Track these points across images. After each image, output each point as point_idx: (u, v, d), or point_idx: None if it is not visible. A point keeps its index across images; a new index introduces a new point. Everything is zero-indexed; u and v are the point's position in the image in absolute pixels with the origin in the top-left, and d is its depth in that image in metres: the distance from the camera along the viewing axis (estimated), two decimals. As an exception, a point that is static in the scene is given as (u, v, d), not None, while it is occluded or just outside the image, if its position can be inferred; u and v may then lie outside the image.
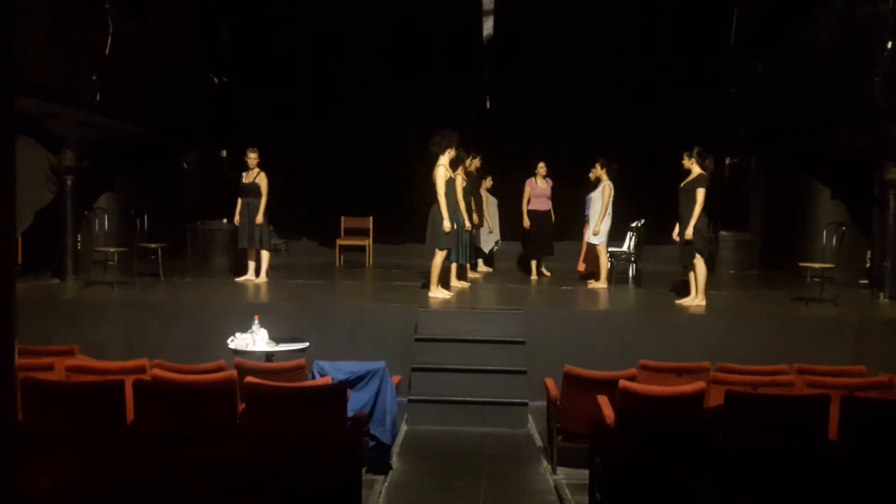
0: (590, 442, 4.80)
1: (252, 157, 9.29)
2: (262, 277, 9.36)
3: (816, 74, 9.56)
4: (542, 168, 10.27)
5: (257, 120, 11.94)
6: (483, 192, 10.66)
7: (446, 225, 7.89)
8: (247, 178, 9.30)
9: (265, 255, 9.40)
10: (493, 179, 11.19)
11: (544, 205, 10.25)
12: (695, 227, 7.81)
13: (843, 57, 8.97)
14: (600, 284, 9.35)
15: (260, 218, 9.17)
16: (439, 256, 8.06)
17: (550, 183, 10.32)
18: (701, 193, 7.79)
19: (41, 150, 8.73)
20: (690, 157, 8.01)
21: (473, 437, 6.34)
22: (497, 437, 6.35)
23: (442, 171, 7.96)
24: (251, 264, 9.41)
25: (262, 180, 9.23)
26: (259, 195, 9.18)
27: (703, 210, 7.83)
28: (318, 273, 10.75)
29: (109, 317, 7.65)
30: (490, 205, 11.06)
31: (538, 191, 10.25)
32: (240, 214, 9.29)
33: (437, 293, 8.12)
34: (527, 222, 10.27)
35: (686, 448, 4.13)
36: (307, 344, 6.19)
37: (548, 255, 10.48)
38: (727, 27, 11.97)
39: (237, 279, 9.43)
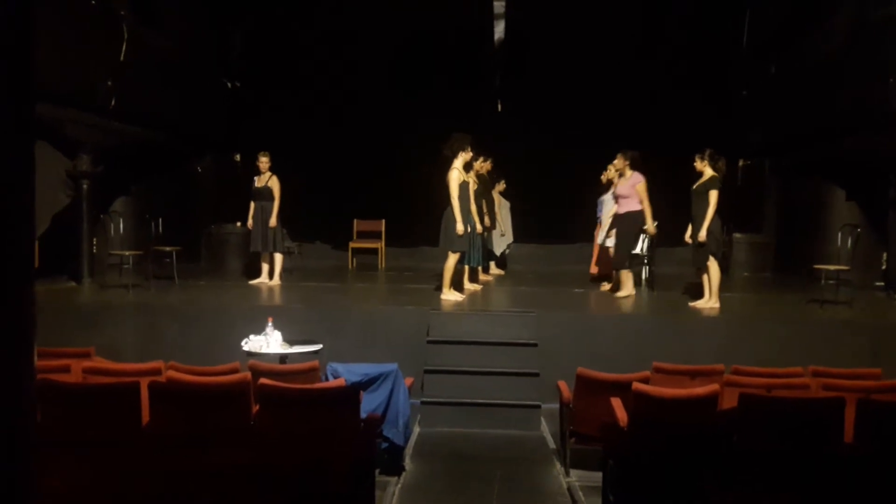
0: (603, 444, 4.79)
1: (264, 161, 9.36)
2: (276, 280, 9.41)
3: (830, 78, 9.50)
4: (617, 163, 8.77)
5: (270, 124, 12.02)
6: (495, 195, 10.66)
7: (459, 228, 7.88)
8: (259, 181, 9.37)
9: (278, 257, 9.46)
10: (505, 182, 11.20)
11: (627, 206, 8.63)
12: (708, 230, 7.79)
13: (856, 60, 8.91)
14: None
15: (273, 221, 9.23)
16: (452, 259, 8.07)
17: (637, 178, 8.55)
18: (713, 195, 7.77)
19: (57, 154, 8.82)
20: (702, 159, 7.99)
21: (486, 439, 6.34)
22: (510, 439, 6.34)
23: (455, 175, 7.95)
24: (265, 267, 9.47)
25: (275, 184, 9.30)
26: (272, 198, 9.25)
27: (716, 212, 7.81)
28: (331, 276, 10.79)
29: (125, 319, 7.72)
30: (503, 207, 11.06)
31: (618, 189, 8.75)
32: (253, 218, 9.36)
33: (450, 296, 8.14)
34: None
35: (699, 451, 4.11)
36: (320, 346, 6.22)
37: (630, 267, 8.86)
38: (739, 30, 11.93)
39: (251, 282, 9.48)
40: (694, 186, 8.03)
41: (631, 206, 8.58)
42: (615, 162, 8.85)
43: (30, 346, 1.70)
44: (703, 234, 7.80)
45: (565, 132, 11.49)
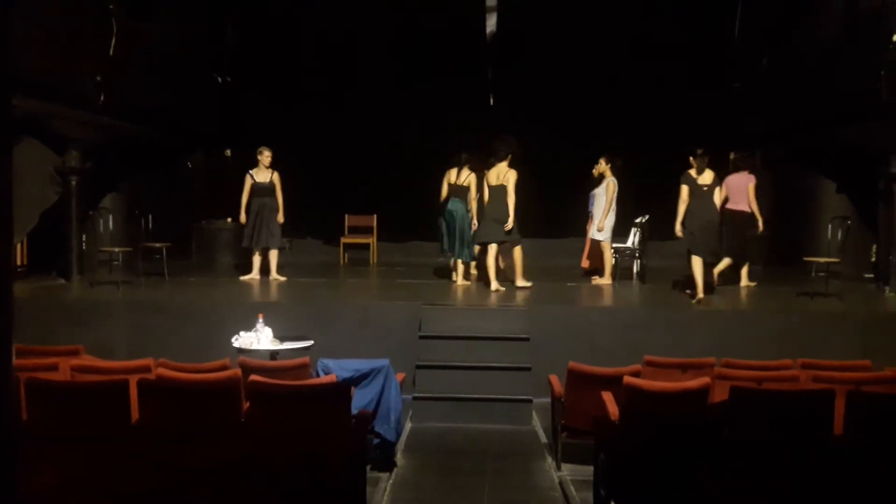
0: (594, 438, 4.80)
1: (267, 156, 9.27)
2: (277, 275, 9.34)
3: (821, 69, 9.51)
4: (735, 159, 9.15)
5: (261, 120, 11.94)
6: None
7: (510, 224, 8.38)
8: (262, 177, 9.25)
9: (276, 253, 9.40)
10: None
11: (738, 204, 8.93)
12: (681, 223, 8.05)
13: (848, 51, 8.93)
14: (604, 281, 9.33)
15: (281, 216, 9.20)
16: (518, 251, 8.62)
17: (751, 178, 9.00)
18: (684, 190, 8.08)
19: (46, 150, 8.75)
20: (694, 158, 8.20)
21: (478, 433, 6.34)
22: (501, 433, 6.35)
23: (514, 176, 8.40)
24: (255, 263, 9.39)
25: (277, 179, 9.28)
26: (274, 194, 9.19)
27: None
28: (323, 271, 10.76)
29: (114, 316, 7.67)
30: None
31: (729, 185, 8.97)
32: (255, 214, 9.21)
33: (523, 283, 8.66)
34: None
35: (691, 444, 4.12)
36: (311, 342, 6.20)
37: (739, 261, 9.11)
38: (731, 22, 11.92)
39: (242, 278, 9.42)
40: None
41: (742, 204, 8.92)
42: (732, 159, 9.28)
43: (7, 342, 1.68)
44: (678, 228, 8.13)
45: (557, 126, 11.46)
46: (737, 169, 9.14)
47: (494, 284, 8.53)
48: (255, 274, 9.39)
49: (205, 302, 8.25)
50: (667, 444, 4.09)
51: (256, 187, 9.26)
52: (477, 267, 9.64)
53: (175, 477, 3.48)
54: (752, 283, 9.23)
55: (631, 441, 4.29)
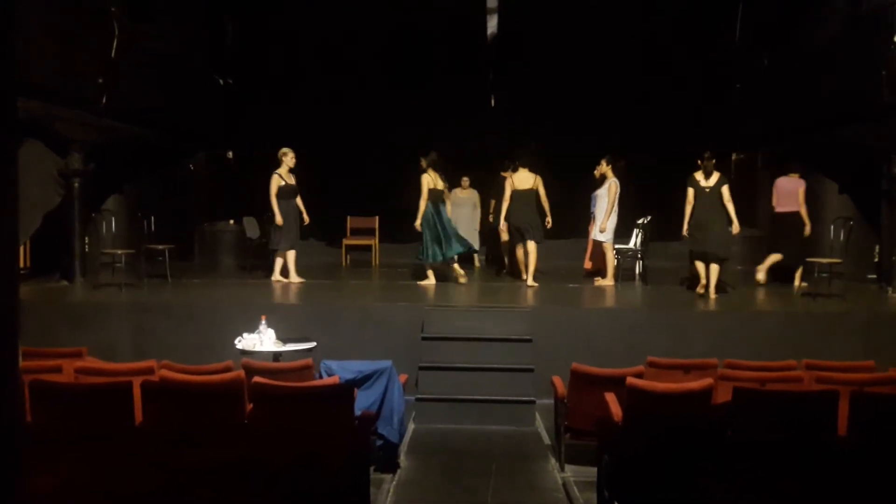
0: (598, 439, 4.80)
1: (292, 157, 9.14)
2: (280, 277, 9.32)
3: (822, 70, 9.51)
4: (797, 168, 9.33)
5: (263, 121, 11.96)
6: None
7: (549, 222, 9.17)
8: (290, 178, 9.16)
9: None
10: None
11: (789, 206, 9.19)
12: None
13: (849, 51, 8.93)
14: (607, 282, 9.33)
15: (306, 217, 9.26)
16: (536, 249, 9.09)
17: (802, 183, 9.21)
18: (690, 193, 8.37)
19: (48, 152, 8.76)
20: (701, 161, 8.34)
21: (481, 435, 6.34)
22: (504, 435, 6.35)
23: (541, 179, 9.17)
24: (288, 264, 9.29)
25: (294, 181, 9.27)
26: (297, 196, 9.18)
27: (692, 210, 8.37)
28: (325, 273, 10.76)
29: (117, 318, 7.68)
30: (465, 205, 11.06)
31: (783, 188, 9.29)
32: (287, 216, 9.08)
33: (534, 283, 8.94)
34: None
35: (694, 445, 4.11)
36: (314, 344, 6.21)
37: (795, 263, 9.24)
38: (732, 22, 11.92)
39: (275, 279, 9.25)
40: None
41: (793, 207, 9.13)
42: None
43: (13, 344, 1.68)
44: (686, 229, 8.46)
45: (558, 127, 11.46)
46: (786, 172, 9.34)
47: (531, 279, 9.01)
48: (287, 274, 9.29)
49: (208, 304, 8.25)
50: (670, 445, 4.09)
51: (285, 189, 9.12)
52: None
53: (178, 478, 3.48)
54: (804, 284, 9.19)
55: (634, 442, 4.29)
